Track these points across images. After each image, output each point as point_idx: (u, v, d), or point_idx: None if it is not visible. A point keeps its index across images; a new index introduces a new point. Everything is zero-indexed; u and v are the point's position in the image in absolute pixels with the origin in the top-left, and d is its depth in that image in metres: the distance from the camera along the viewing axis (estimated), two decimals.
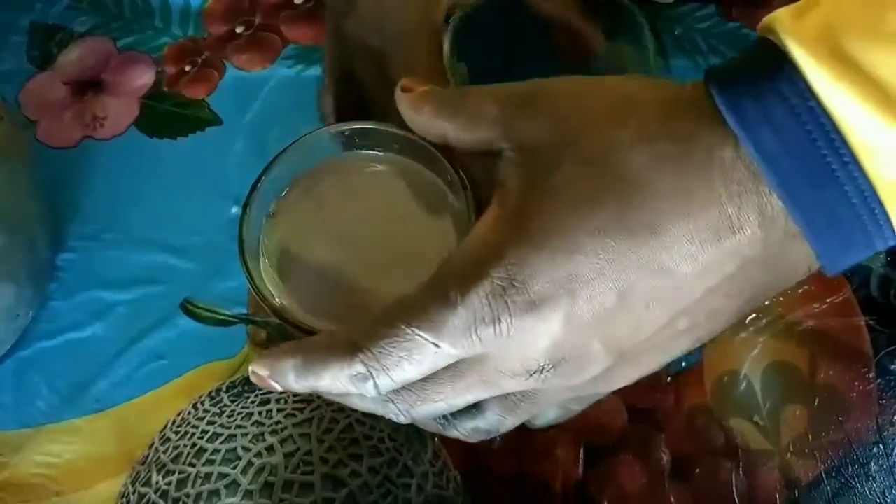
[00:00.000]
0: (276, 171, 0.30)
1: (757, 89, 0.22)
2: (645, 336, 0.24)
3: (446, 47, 0.34)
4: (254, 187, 0.30)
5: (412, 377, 0.24)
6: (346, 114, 0.37)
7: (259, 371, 0.26)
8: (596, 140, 0.24)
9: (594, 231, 0.23)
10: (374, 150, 0.31)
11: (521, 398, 0.27)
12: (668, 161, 0.23)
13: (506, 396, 0.26)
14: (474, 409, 0.27)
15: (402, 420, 0.26)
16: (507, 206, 0.25)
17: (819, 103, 0.21)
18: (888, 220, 0.22)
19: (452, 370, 0.25)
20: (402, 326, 0.24)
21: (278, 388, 0.26)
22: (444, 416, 0.27)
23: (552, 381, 0.25)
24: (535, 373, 0.24)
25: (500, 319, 0.23)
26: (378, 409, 0.26)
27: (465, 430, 0.28)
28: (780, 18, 0.22)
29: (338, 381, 0.25)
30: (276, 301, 0.28)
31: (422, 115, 0.27)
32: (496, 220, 0.25)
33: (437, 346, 0.24)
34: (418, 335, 0.23)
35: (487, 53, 0.36)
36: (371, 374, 0.24)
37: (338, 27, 0.38)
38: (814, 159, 0.21)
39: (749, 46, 0.24)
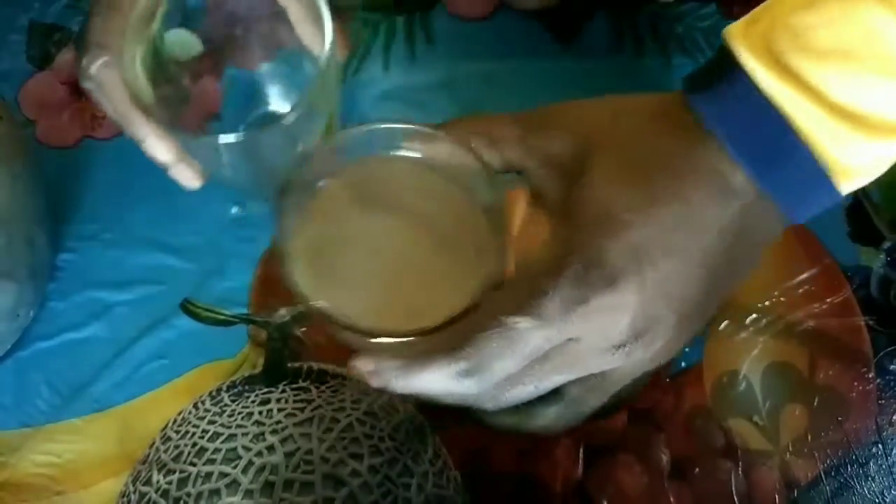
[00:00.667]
0: (308, 170, 0.30)
1: (720, 89, 0.27)
2: (693, 292, 0.28)
3: None
4: (287, 185, 0.30)
5: (512, 369, 0.27)
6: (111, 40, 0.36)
7: (362, 367, 0.28)
8: (610, 142, 0.29)
9: (635, 208, 0.27)
10: (406, 148, 0.31)
11: (601, 378, 0.29)
12: (667, 147, 0.28)
13: (587, 378, 0.29)
14: (555, 394, 0.29)
15: (489, 407, 0.29)
16: (558, 211, 0.29)
17: (766, 97, 0.26)
18: (830, 172, 0.26)
19: (543, 356, 0.27)
20: (503, 319, 0.26)
21: (374, 384, 0.28)
22: (527, 405, 0.29)
23: (635, 353, 0.28)
24: (619, 347, 0.27)
25: (587, 299, 0.26)
26: (468, 401, 0.28)
27: (549, 418, 0.30)
28: (732, 31, 0.28)
29: (441, 379, 0.27)
30: (318, 302, 0.28)
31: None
32: (555, 226, 0.29)
33: (537, 330, 0.26)
34: (519, 323, 0.26)
35: None
36: (475, 368, 0.27)
37: None
38: (766, 137, 0.27)
39: (714, 54, 0.28)
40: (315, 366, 0.32)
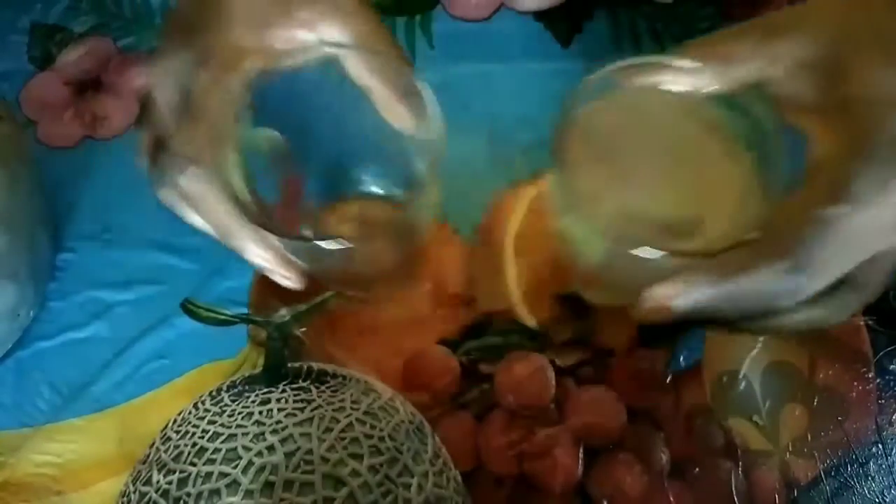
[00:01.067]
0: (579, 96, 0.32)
1: None
2: None
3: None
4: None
5: (834, 257, 0.29)
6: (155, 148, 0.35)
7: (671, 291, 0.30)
8: (860, 31, 0.30)
9: None
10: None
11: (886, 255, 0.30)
12: None
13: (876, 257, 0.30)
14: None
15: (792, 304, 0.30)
16: (821, 109, 0.30)
17: None
18: None
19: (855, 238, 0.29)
20: (820, 211, 0.28)
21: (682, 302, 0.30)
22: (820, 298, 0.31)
23: None
24: None
25: None
26: (781, 300, 0.30)
27: (839, 308, 0.31)
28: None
29: (771, 279, 0.29)
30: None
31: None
32: (826, 123, 0.30)
33: (856, 213, 0.28)
34: (837, 210, 0.28)
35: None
36: (804, 263, 0.28)
37: None
38: None
39: None
40: (315, 366, 0.32)
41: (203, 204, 0.33)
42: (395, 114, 0.34)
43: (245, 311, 0.42)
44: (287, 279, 0.34)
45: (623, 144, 0.33)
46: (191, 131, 0.32)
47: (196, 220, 0.35)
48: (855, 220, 0.28)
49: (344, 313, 0.40)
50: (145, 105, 0.35)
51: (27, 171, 0.40)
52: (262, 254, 0.33)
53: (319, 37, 0.34)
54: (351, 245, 0.31)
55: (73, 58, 0.49)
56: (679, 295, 0.30)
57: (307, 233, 0.38)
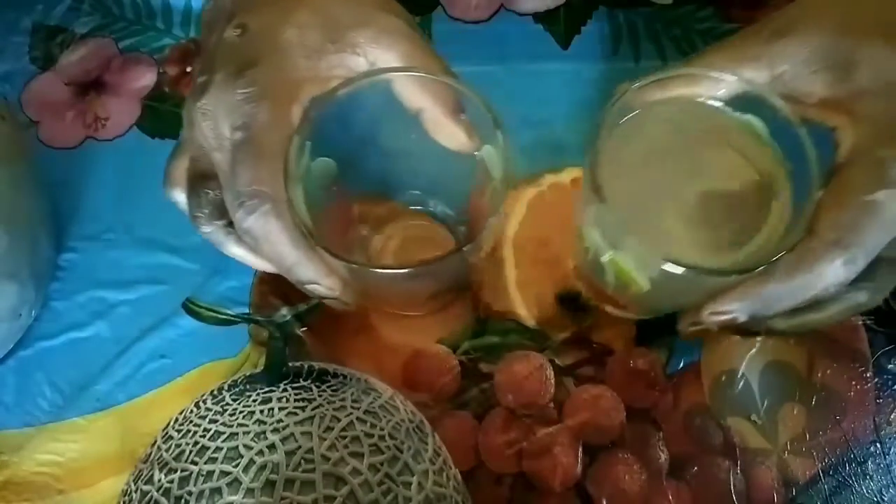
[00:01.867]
0: (619, 107, 0.32)
1: None
2: None
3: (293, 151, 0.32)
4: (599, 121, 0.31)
5: (884, 243, 0.30)
6: (198, 182, 0.35)
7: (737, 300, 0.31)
8: (865, 26, 0.31)
9: None
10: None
11: None
12: None
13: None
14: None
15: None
16: (833, 104, 0.31)
17: None
18: None
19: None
20: (864, 199, 0.29)
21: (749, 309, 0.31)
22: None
23: None
24: None
25: None
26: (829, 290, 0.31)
27: (864, 299, 0.32)
28: None
29: (831, 273, 0.29)
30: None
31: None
32: (849, 115, 0.31)
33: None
34: (880, 195, 0.29)
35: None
36: (860, 254, 0.29)
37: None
38: None
39: None
40: (316, 365, 0.32)
41: (270, 240, 0.31)
42: (447, 135, 0.34)
43: (246, 310, 0.42)
44: (346, 305, 0.34)
45: (656, 169, 0.33)
46: (256, 169, 0.31)
47: (243, 254, 0.34)
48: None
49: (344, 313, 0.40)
50: (185, 138, 0.35)
51: (28, 171, 0.40)
52: (327, 282, 0.33)
53: (370, 61, 0.34)
54: (412, 270, 0.30)
55: (74, 58, 0.49)
56: (739, 307, 0.31)
57: (359, 256, 0.38)
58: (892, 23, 0.31)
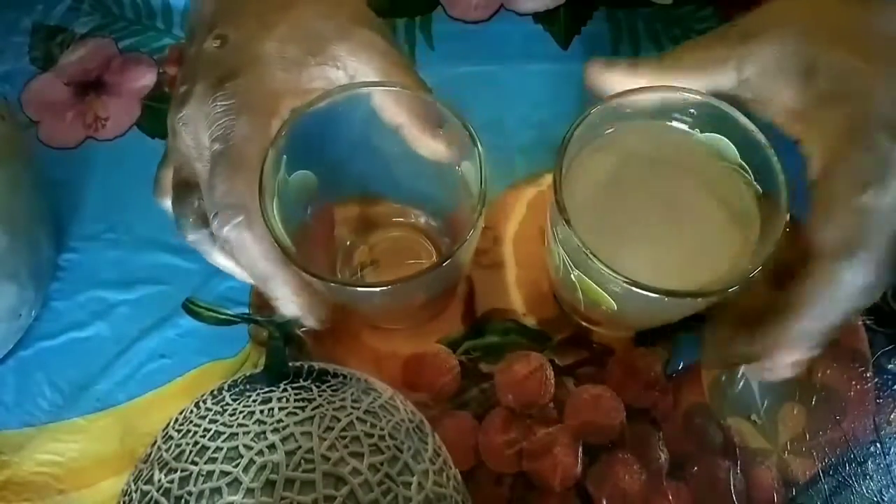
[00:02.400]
0: (586, 127, 0.32)
1: None
2: None
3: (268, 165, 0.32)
4: (566, 140, 0.31)
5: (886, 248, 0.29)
6: (182, 191, 0.35)
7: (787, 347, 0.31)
8: (830, 32, 0.31)
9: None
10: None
11: None
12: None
13: None
14: None
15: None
16: (800, 108, 0.31)
17: None
18: None
19: None
20: (853, 201, 0.29)
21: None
22: None
23: None
24: None
25: None
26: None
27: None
28: None
29: (849, 284, 0.29)
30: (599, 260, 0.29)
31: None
32: (813, 120, 0.31)
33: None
34: (867, 198, 0.29)
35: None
36: (863, 260, 0.29)
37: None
38: None
39: None
40: (316, 365, 0.32)
41: (244, 252, 0.32)
42: (426, 147, 0.34)
43: (246, 310, 0.42)
44: (319, 323, 0.34)
45: (621, 191, 0.33)
46: (233, 180, 0.31)
47: (227, 264, 0.34)
48: (890, 195, 0.29)
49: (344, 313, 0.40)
50: (170, 147, 0.35)
51: (28, 171, 0.40)
52: (297, 300, 0.33)
53: (350, 74, 0.34)
54: (389, 288, 0.30)
55: (74, 58, 0.49)
56: (798, 353, 0.31)
57: (343, 267, 0.38)
58: (855, 31, 0.31)
